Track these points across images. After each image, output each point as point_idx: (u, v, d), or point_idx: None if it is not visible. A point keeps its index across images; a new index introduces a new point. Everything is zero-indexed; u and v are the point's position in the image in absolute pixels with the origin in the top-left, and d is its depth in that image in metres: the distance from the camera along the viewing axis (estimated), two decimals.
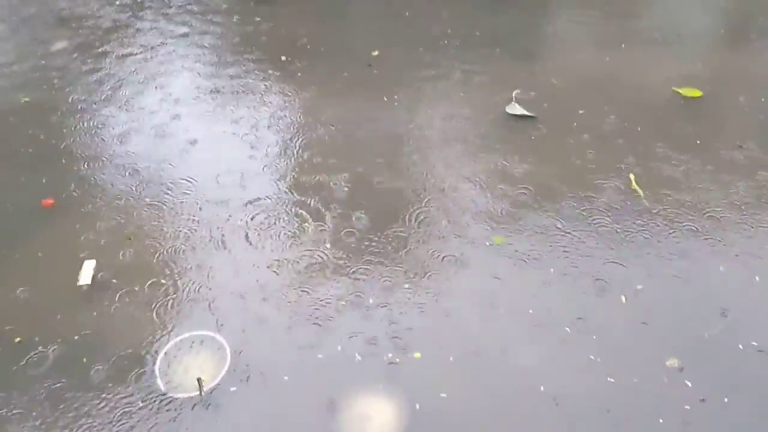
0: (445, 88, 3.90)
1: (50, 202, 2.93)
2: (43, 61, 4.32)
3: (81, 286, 2.53)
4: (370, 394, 2.15)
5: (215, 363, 2.27)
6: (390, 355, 2.24)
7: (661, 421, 2.03)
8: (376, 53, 4.33)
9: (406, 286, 2.53)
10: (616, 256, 2.64)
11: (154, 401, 2.15)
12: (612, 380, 2.16)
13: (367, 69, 4.16)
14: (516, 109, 3.60)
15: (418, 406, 2.09)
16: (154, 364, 2.26)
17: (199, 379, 2.17)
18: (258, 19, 4.87)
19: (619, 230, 2.77)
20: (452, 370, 2.21)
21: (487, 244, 2.71)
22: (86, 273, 2.56)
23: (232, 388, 2.17)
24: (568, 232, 2.76)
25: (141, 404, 2.13)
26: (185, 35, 4.69)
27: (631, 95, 3.76)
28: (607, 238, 2.73)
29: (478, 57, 4.26)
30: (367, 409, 2.11)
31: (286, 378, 2.19)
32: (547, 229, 2.78)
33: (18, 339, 2.35)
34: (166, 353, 2.30)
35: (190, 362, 2.27)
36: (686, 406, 2.07)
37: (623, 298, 2.44)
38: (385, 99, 3.77)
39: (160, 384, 2.19)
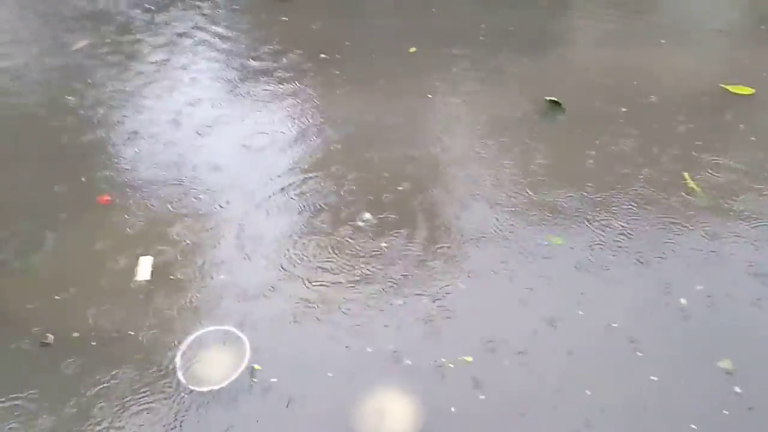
0: (484, 84, 3.87)
1: (106, 199, 2.96)
2: (75, 60, 4.34)
3: (138, 281, 2.55)
4: (404, 394, 2.14)
5: (237, 357, 2.29)
6: (443, 359, 2.23)
7: (693, 426, 1.99)
8: (413, 50, 4.31)
9: (462, 286, 2.52)
10: (675, 256, 2.60)
11: (201, 394, 2.17)
12: (655, 379, 2.14)
13: (406, 66, 4.14)
14: (554, 97, 3.60)
15: (453, 409, 2.08)
16: (188, 358, 2.29)
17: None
18: (285, 18, 4.84)
19: (677, 230, 2.73)
20: (502, 373, 2.19)
21: (545, 244, 2.69)
22: (144, 269, 2.59)
23: (273, 379, 2.19)
24: (624, 233, 2.72)
25: (185, 395, 2.15)
26: (215, 33, 4.68)
27: (677, 92, 3.70)
28: (665, 238, 2.69)
29: (514, 51, 4.22)
30: (389, 408, 2.11)
31: (330, 375, 2.20)
32: (603, 229, 2.75)
33: (76, 334, 2.38)
34: (199, 347, 2.33)
35: (213, 356, 2.30)
36: (725, 411, 2.03)
37: (683, 300, 2.41)
38: (429, 96, 3.75)
39: (181, 377, 2.22)
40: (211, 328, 2.38)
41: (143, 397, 2.16)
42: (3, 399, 2.16)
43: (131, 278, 2.57)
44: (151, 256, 2.66)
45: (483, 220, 2.83)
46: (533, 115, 3.55)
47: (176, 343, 2.33)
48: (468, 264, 2.60)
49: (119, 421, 2.09)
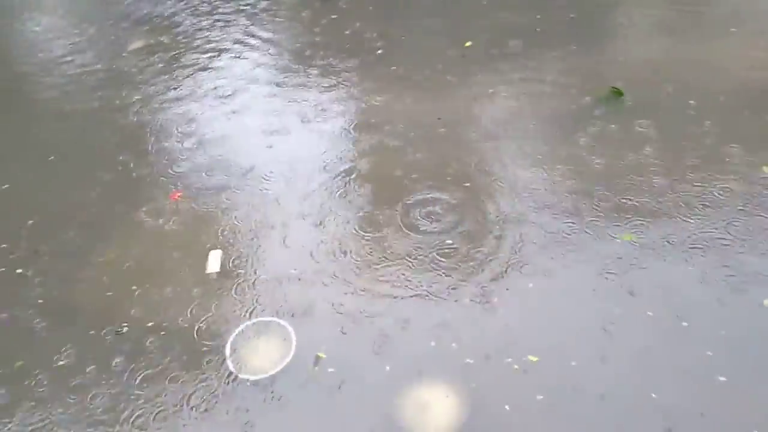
0: (543, 77, 3.78)
1: (178, 195, 3.05)
2: (131, 61, 4.43)
3: (208, 274, 2.63)
4: (460, 389, 2.13)
5: (284, 348, 2.35)
6: (509, 359, 2.21)
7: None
8: (468, 44, 4.26)
9: (530, 285, 2.48)
10: (758, 254, 2.49)
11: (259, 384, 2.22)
12: (723, 379, 2.07)
13: (463, 60, 4.09)
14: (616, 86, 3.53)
15: (507, 407, 2.07)
16: (239, 347, 2.34)
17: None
18: (334, 16, 4.79)
19: (764, 225, 2.61)
20: (566, 374, 2.15)
21: (618, 240, 2.62)
22: (213, 262, 2.66)
23: (330, 369, 2.23)
24: (701, 229, 2.62)
25: (237, 382, 2.20)
26: (267, 33, 4.67)
27: (752, 83, 3.52)
28: (747, 234, 2.58)
29: (572, 43, 4.10)
30: (441, 403, 2.11)
31: (387, 368, 2.22)
32: (677, 224, 2.66)
33: (150, 323, 2.47)
34: (250, 337, 2.40)
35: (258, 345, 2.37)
36: None
37: (766, 302, 2.30)
38: (491, 91, 3.70)
39: (231, 365, 2.30)
40: (263, 319, 2.45)
41: (200, 385, 2.25)
42: (76, 382, 2.29)
43: (202, 271, 2.65)
44: (220, 249, 2.74)
45: (547, 215, 2.78)
46: (595, 107, 3.46)
47: (235, 332, 2.41)
48: (536, 263, 2.56)
49: (178, 406, 2.19)
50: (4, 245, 2.84)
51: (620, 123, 3.31)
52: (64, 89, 4.14)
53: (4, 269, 2.74)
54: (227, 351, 2.34)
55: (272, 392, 2.20)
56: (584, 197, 2.85)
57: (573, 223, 2.72)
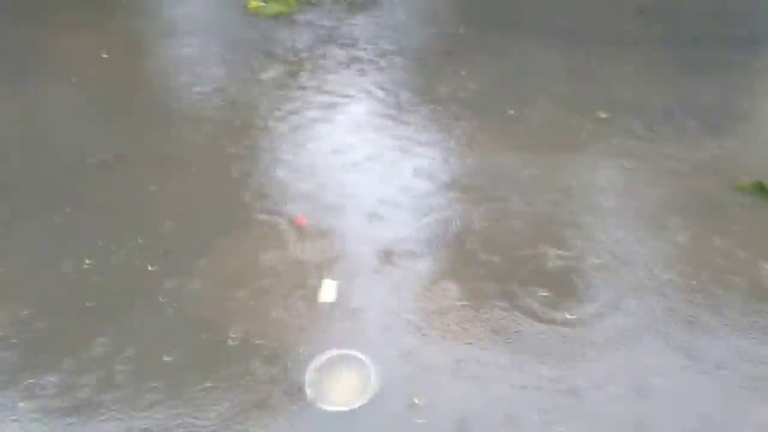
0: (679, 160, 3.63)
1: (303, 221, 3.18)
2: (262, 88, 4.58)
3: (322, 302, 2.69)
4: None
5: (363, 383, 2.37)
6: None
7: None
8: (603, 115, 4.16)
9: (655, 381, 2.34)
10: None
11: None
12: None
13: (593, 131, 4.01)
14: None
15: None
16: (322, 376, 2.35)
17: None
18: (463, 72, 4.76)
19: None
20: None
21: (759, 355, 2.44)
22: (328, 291, 2.72)
23: (420, 420, 2.20)
24: None
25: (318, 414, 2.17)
26: (390, 84, 4.70)
27: None
28: None
29: (707, 127, 3.93)
30: None
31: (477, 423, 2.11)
32: None
33: (267, 353, 2.54)
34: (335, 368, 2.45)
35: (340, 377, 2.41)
36: None
37: None
38: (623, 167, 3.59)
39: (309, 393, 2.34)
40: (357, 354, 2.48)
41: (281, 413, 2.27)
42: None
43: (315, 298, 2.73)
44: (334, 279, 2.81)
45: (675, 312, 2.62)
46: (738, 200, 3.26)
47: (327, 362, 2.46)
48: (661, 358, 2.44)
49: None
50: (141, 241, 3.07)
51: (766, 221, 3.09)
52: (191, 110, 4.39)
53: (137, 263, 2.95)
54: (315, 379, 2.38)
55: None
56: (722, 294, 2.68)
57: (708, 323, 2.56)
